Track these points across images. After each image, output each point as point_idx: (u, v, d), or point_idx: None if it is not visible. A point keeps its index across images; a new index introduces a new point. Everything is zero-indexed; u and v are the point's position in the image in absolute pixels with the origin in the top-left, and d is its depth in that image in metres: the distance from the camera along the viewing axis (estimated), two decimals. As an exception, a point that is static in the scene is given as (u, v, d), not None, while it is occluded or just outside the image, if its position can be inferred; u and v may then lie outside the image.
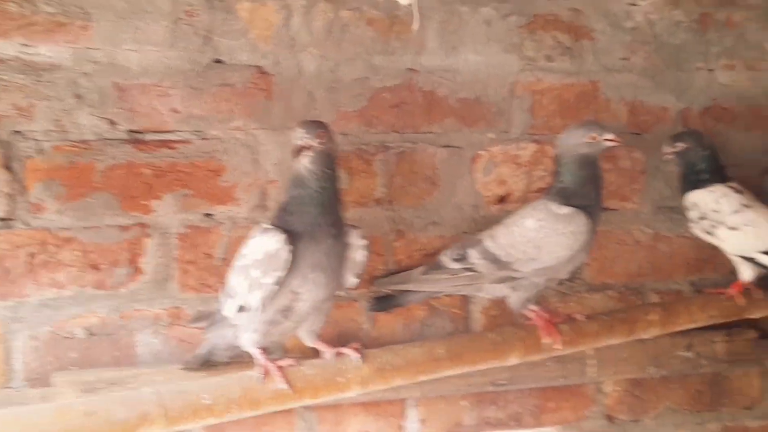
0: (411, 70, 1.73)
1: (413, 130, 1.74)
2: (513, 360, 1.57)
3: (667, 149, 1.81)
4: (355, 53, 1.70)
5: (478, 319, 1.78)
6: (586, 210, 1.55)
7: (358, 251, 1.40)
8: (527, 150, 1.81)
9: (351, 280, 1.42)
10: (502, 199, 1.79)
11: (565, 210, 1.54)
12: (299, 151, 1.32)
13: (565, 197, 1.56)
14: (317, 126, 1.34)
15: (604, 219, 1.81)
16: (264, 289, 1.30)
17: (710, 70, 1.93)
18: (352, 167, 1.70)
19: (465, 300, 1.78)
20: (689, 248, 1.90)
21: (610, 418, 1.87)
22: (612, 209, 1.86)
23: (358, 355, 1.40)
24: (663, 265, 1.90)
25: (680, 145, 1.79)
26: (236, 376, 1.34)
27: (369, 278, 1.69)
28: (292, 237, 1.30)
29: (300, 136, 1.32)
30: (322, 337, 1.46)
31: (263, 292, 1.31)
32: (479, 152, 1.79)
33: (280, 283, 1.30)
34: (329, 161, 1.36)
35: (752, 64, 1.96)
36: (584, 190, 1.56)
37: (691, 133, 1.83)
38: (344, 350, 1.41)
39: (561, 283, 1.82)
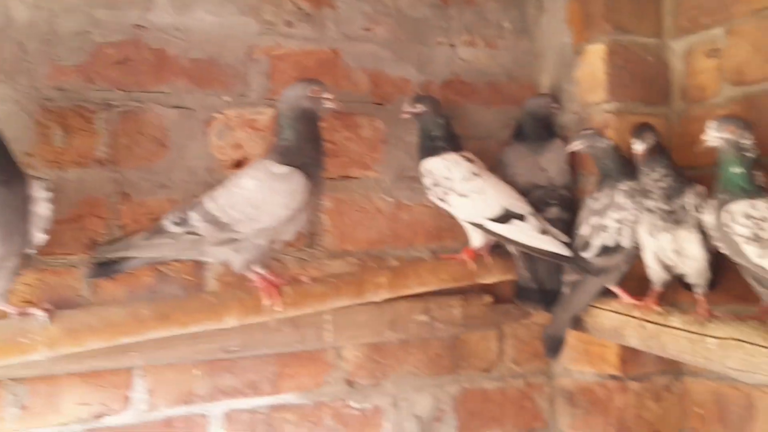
0: (138, 26, 1.67)
1: (140, 89, 1.68)
2: (230, 322, 1.55)
3: (407, 108, 1.85)
4: (74, 4, 1.62)
5: (213, 285, 1.74)
6: (305, 169, 1.55)
7: (41, 204, 1.32)
8: (265, 115, 1.79)
9: (38, 236, 1.34)
10: (238, 164, 1.77)
11: (282, 169, 1.54)
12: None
13: (284, 156, 1.56)
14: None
15: (345, 187, 1.86)
16: None
17: (451, 45, 2.01)
18: (70, 125, 1.62)
19: (198, 266, 1.73)
20: (429, 217, 1.96)
21: (350, 383, 1.89)
22: (353, 177, 1.89)
23: (46, 315, 1.33)
24: (404, 233, 1.95)
25: (419, 107, 1.84)
26: None
27: (90, 243, 1.61)
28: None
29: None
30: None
31: None
32: (214, 115, 1.75)
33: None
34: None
35: (491, 41, 2.05)
36: (304, 148, 1.57)
37: (430, 99, 1.88)
38: (31, 310, 1.33)
39: (302, 250, 1.83)
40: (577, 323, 1.86)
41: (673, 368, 1.99)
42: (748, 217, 1.51)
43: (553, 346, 1.86)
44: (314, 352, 1.84)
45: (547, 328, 1.87)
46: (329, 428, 1.85)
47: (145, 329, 1.43)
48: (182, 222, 1.55)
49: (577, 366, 2.04)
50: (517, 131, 2.03)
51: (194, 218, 1.55)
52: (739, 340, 1.54)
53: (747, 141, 1.54)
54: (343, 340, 1.83)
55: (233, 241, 1.56)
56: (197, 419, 1.73)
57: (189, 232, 1.55)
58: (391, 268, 1.80)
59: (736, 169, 1.54)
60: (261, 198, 1.53)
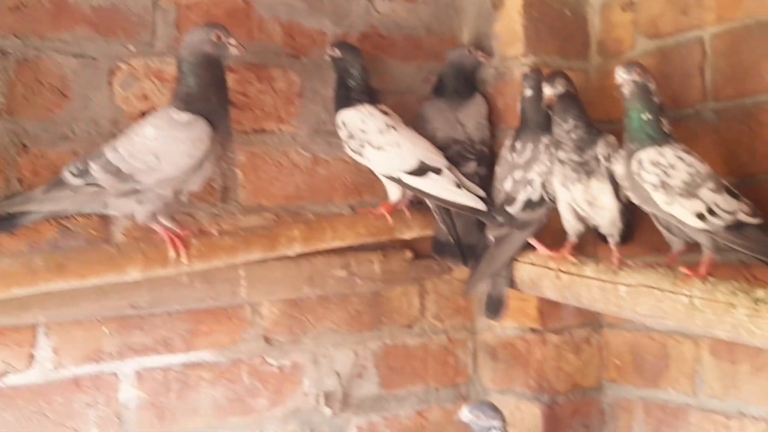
0: (35, -30, 1.61)
1: (38, 37, 1.61)
2: (134, 274, 1.51)
3: (328, 50, 1.83)
4: (-36, -53, 1.54)
5: (120, 239, 1.69)
6: (209, 116, 1.51)
7: None
8: (172, 65, 1.73)
9: None
10: (144, 115, 1.71)
11: (184, 117, 1.50)
12: None
13: (186, 103, 1.52)
14: None
15: (259, 141, 1.83)
16: None
17: (369, -2, 1.98)
18: (-38, 73, 1.55)
19: (104, 220, 1.68)
20: (348, 172, 1.94)
21: (268, 340, 1.86)
22: (268, 131, 1.85)
23: (-72, 266, 1.27)
24: (322, 188, 1.92)
25: (338, 52, 1.81)
26: None
27: (-14, 196, 1.55)
28: None
29: None
30: None
31: None
32: (119, 64, 1.69)
33: None
34: None
35: (410, -5, 2.03)
36: (207, 96, 1.53)
37: (350, 46, 1.85)
38: None
39: (214, 205, 1.79)
40: (511, 282, 1.84)
41: (592, 321, 2.01)
42: (656, 164, 1.52)
43: (495, 306, 1.85)
44: (230, 308, 1.81)
45: (489, 290, 1.86)
46: (247, 386, 1.82)
47: (39, 280, 1.38)
48: (82, 173, 1.50)
49: (498, 320, 2.05)
50: (437, 85, 2.01)
51: (94, 169, 1.50)
52: (649, 286, 1.56)
53: (652, 85, 1.55)
54: (260, 295, 1.80)
55: (136, 192, 1.51)
56: (107, 377, 1.69)
57: (90, 184, 1.50)
58: (306, 222, 1.77)
59: (645, 116, 1.54)
60: (162, 146, 1.48)
